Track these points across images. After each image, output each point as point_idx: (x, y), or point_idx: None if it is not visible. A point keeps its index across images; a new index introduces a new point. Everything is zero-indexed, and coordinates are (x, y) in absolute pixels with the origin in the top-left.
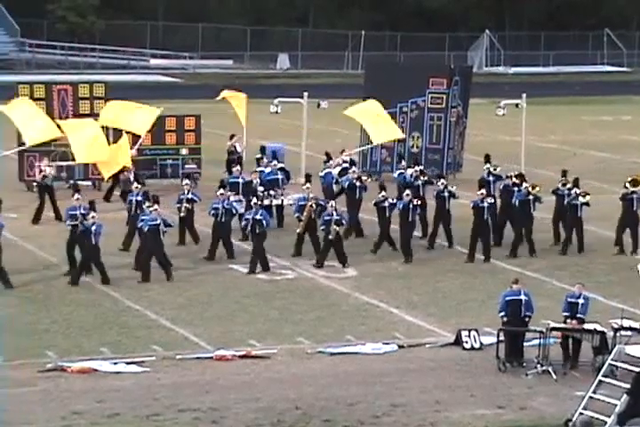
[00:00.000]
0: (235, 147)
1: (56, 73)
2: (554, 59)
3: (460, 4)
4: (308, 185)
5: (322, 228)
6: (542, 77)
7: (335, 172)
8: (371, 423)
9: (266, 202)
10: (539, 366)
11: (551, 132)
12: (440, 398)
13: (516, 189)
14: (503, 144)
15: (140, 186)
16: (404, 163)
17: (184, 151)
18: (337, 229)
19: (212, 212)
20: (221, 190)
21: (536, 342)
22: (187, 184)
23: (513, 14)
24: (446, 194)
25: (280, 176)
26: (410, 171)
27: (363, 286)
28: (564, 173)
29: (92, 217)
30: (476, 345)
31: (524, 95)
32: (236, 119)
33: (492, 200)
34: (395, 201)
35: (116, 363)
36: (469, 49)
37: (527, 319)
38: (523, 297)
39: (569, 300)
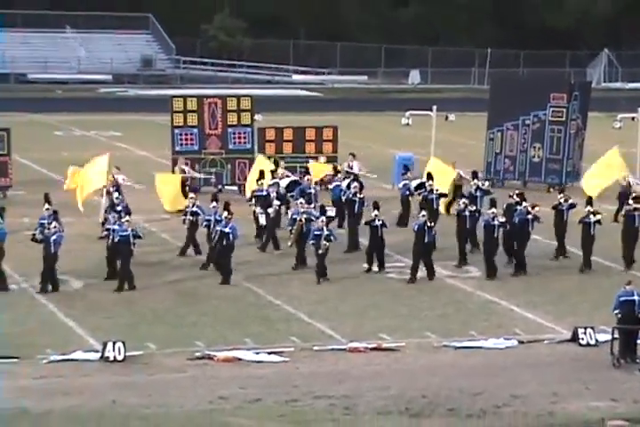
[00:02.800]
0: (351, 166)
1: (207, 87)
2: None
3: (580, 23)
4: (301, 200)
5: (311, 242)
6: None
7: (344, 185)
8: (492, 413)
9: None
10: None
11: None
12: (557, 391)
13: (519, 207)
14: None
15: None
16: (409, 174)
17: (322, 159)
18: (326, 244)
19: (205, 223)
20: (213, 203)
21: None
22: (192, 198)
23: (630, 33)
24: (467, 213)
25: (313, 191)
26: (414, 182)
27: (485, 286)
28: (563, 190)
29: (54, 227)
30: (592, 342)
31: None
32: (371, 130)
33: (504, 219)
34: (381, 221)
35: (258, 353)
36: (588, 66)
37: None
38: (636, 297)
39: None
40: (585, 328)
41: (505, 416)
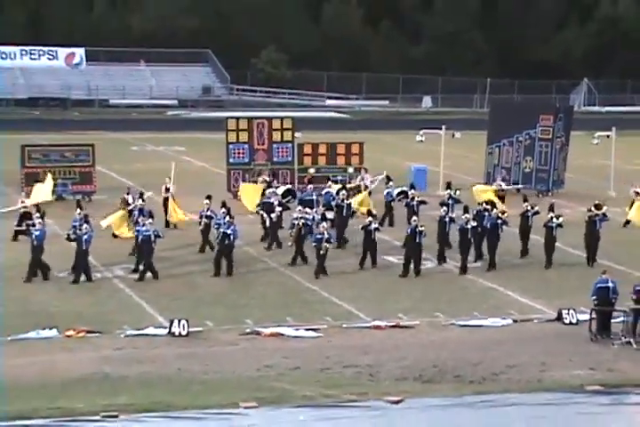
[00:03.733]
0: (363, 178)
1: (256, 110)
2: (638, 100)
3: (564, 58)
4: (299, 208)
5: (314, 244)
6: (630, 115)
7: (333, 191)
8: (491, 380)
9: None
10: (623, 338)
11: (636, 157)
12: (545, 361)
13: (486, 213)
14: (597, 166)
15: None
16: (391, 183)
17: (350, 170)
18: (327, 246)
19: (216, 226)
20: (223, 209)
21: (621, 319)
22: (207, 203)
23: (606, 66)
24: (447, 220)
25: (314, 197)
26: (397, 190)
27: (486, 275)
28: (526, 199)
29: (85, 228)
30: (574, 321)
31: (614, 128)
32: (391, 146)
33: (475, 223)
34: (377, 225)
35: (297, 329)
36: (571, 93)
37: (614, 301)
38: (610, 284)
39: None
40: (568, 310)
41: (501, 382)
